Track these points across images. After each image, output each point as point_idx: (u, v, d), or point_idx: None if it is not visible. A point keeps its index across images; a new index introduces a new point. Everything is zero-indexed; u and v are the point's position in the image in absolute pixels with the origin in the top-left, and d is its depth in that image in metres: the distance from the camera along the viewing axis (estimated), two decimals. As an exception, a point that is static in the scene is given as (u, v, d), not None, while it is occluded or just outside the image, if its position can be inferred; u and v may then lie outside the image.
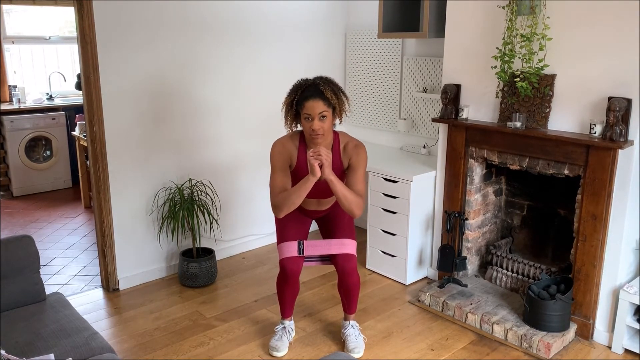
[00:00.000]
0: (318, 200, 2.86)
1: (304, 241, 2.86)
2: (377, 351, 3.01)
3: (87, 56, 3.31)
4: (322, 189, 2.70)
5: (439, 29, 3.69)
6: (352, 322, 3.05)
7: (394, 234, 3.76)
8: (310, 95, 2.58)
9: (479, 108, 3.42)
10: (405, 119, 4.28)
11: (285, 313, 3.05)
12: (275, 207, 2.65)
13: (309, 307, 3.47)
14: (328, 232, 2.98)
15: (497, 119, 3.32)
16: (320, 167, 2.50)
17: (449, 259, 3.51)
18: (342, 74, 4.73)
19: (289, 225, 2.89)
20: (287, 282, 2.89)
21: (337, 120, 2.73)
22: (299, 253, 2.83)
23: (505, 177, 3.72)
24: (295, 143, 2.75)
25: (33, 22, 6.25)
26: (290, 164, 2.75)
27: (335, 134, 2.78)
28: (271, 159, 2.73)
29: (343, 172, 2.78)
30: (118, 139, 3.53)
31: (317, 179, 2.52)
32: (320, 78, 2.68)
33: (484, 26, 3.29)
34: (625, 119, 2.78)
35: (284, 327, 3.04)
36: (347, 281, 2.89)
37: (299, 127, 2.74)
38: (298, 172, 2.73)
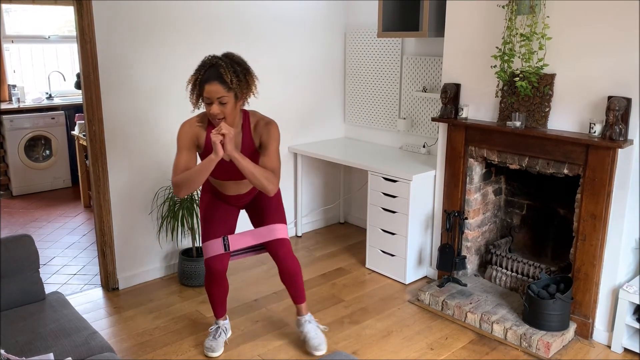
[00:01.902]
0: (235, 183, 2.76)
1: (229, 236, 2.78)
2: (377, 350, 3.01)
3: (87, 55, 3.31)
4: (234, 169, 2.60)
5: (439, 29, 3.69)
6: (306, 316, 2.98)
7: (393, 234, 3.76)
8: (209, 78, 2.44)
9: (479, 107, 3.42)
10: (404, 119, 4.28)
11: (218, 313, 2.98)
12: (176, 185, 2.54)
13: (308, 306, 3.46)
14: (257, 220, 2.90)
15: (496, 119, 3.32)
16: (223, 146, 2.41)
17: (448, 259, 3.51)
18: (341, 74, 4.73)
19: (213, 221, 2.81)
20: (214, 282, 2.82)
21: (246, 103, 2.62)
22: (225, 249, 2.76)
23: (505, 177, 3.72)
24: (204, 124, 2.64)
25: (32, 22, 6.24)
26: (198, 144, 2.65)
27: (245, 113, 2.68)
28: (177, 138, 2.62)
29: (255, 151, 2.69)
30: (117, 139, 3.53)
31: (221, 158, 2.44)
32: (226, 57, 2.52)
33: (483, 25, 3.29)
34: (624, 118, 2.78)
35: (219, 327, 2.98)
36: (286, 267, 2.82)
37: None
38: (206, 154, 2.63)
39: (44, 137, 5.92)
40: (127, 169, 3.61)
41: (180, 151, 2.61)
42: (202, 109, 2.61)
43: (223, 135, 2.41)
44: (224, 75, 2.45)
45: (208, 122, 2.64)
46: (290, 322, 3.27)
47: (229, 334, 3.06)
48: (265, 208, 2.87)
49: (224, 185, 2.78)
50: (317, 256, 4.25)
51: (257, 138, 2.68)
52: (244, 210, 3.03)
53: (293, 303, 3.01)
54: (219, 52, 3.86)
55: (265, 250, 2.89)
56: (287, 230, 2.87)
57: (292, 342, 3.07)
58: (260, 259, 4.18)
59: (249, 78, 2.56)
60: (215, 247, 2.77)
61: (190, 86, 2.55)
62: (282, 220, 2.87)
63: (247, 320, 3.28)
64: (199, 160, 2.64)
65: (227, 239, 2.77)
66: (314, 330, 2.95)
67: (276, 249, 2.80)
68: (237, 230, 2.95)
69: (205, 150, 2.65)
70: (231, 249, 2.78)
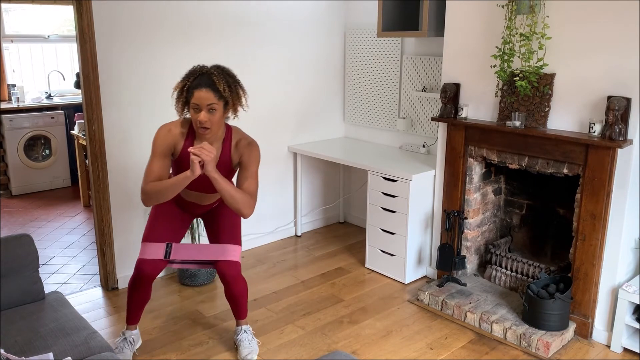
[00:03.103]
0: (200, 194, 2.70)
1: (174, 244, 2.68)
2: (376, 350, 3.01)
3: (86, 55, 3.31)
4: (205, 183, 2.53)
5: (439, 28, 3.68)
6: (244, 326, 2.95)
7: (393, 233, 3.76)
8: (200, 84, 2.40)
9: (479, 107, 3.42)
10: (404, 118, 4.28)
11: (131, 319, 2.84)
12: (145, 194, 2.46)
13: (307, 306, 3.47)
14: (212, 233, 2.83)
15: (496, 118, 3.32)
16: (202, 165, 2.34)
17: (448, 258, 3.51)
18: (341, 73, 4.72)
19: (162, 223, 2.72)
20: (140, 285, 2.70)
21: (232, 115, 2.56)
22: (165, 256, 2.65)
23: (505, 176, 3.72)
24: (184, 131, 2.56)
25: (32, 21, 6.24)
26: (174, 152, 2.56)
27: (229, 128, 2.62)
28: (153, 143, 2.52)
29: (232, 169, 2.64)
30: (117, 138, 3.53)
31: (197, 176, 2.37)
32: (217, 67, 2.50)
33: (483, 25, 3.29)
34: (624, 118, 2.78)
35: (125, 339, 2.84)
36: (233, 290, 2.78)
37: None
38: (180, 163, 2.56)
39: (44, 136, 5.92)
40: (126, 169, 3.60)
41: (154, 157, 2.52)
42: (182, 116, 2.57)
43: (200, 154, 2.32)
44: (216, 82, 2.42)
45: (188, 129, 2.57)
46: (290, 322, 3.27)
47: (138, 344, 2.94)
48: (223, 224, 2.80)
49: (186, 191, 2.70)
50: (317, 256, 4.25)
51: (236, 156, 2.62)
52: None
53: (234, 316, 2.96)
54: (218, 51, 3.89)
55: (211, 265, 2.81)
56: (239, 252, 2.78)
57: (292, 342, 3.07)
58: (260, 259, 4.18)
59: (239, 90, 2.52)
60: (154, 250, 2.66)
61: (176, 93, 2.50)
62: (237, 241, 2.78)
63: (247, 320, 3.27)
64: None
65: (171, 247, 2.67)
66: (247, 339, 2.91)
67: (225, 271, 2.71)
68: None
69: (180, 159, 2.57)
70: (172, 258, 2.68)
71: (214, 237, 2.83)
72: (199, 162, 2.34)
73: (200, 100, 2.40)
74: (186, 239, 3.93)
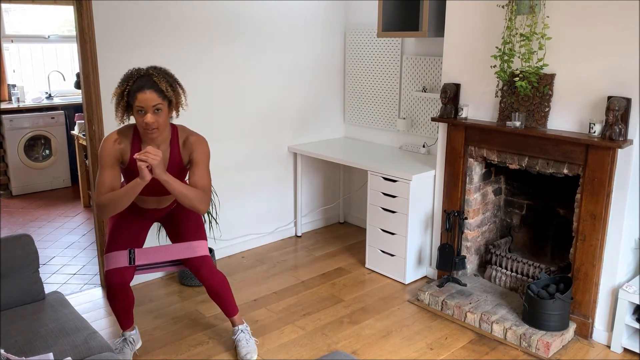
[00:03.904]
0: (157, 199, 2.68)
1: (137, 250, 2.66)
2: (376, 350, 3.01)
3: (87, 55, 3.31)
4: (159, 187, 2.51)
5: (439, 28, 3.68)
6: (241, 326, 2.93)
7: (393, 233, 3.76)
8: (143, 86, 2.35)
9: (479, 107, 3.42)
10: (404, 118, 4.28)
11: (124, 325, 2.84)
12: (100, 207, 2.43)
13: (307, 306, 3.47)
14: (175, 235, 2.81)
15: (496, 118, 3.32)
16: (151, 169, 2.32)
17: (448, 258, 3.51)
18: (341, 73, 4.73)
19: (121, 233, 2.68)
20: (114, 296, 2.67)
21: (174, 114, 2.52)
22: (130, 263, 2.63)
23: (505, 177, 3.72)
24: (129, 138, 2.51)
25: (32, 21, 6.24)
26: (122, 160, 2.52)
27: (174, 127, 2.58)
28: (100, 155, 2.49)
29: (184, 168, 2.61)
30: (117, 138, 3.53)
31: (148, 181, 2.35)
32: (154, 68, 2.46)
33: (483, 25, 3.29)
34: (624, 118, 2.78)
35: (125, 339, 2.85)
36: (211, 284, 2.75)
37: (132, 120, 2.51)
38: (130, 170, 2.52)
39: (44, 136, 5.92)
40: (126, 169, 3.60)
41: (103, 169, 2.47)
42: (126, 122, 2.53)
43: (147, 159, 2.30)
44: (158, 83, 2.38)
45: (133, 135, 2.53)
46: (290, 322, 3.27)
47: (138, 344, 2.94)
48: (184, 223, 2.78)
49: (143, 199, 2.67)
50: (317, 256, 4.25)
51: (185, 154, 2.58)
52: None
53: (226, 316, 2.94)
54: (218, 52, 3.89)
55: (182, 265, 2.79)
56: (207, 247, 2.77)
57: (292, 342, 3.07)
58: (260, 259, 4.18)
59: (179, 88, 2.50)
60: (118, 259, 2.64)
61: (115, 98, 2.45)
62: (202, 236, 2.77)
63: (247, 320, 3.27)
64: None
65: (134, 252, 2.65)
66: (245, 339, 2.90)
67: (198, 267, 2.70)
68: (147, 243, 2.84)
69: (129, 166, 2.53)
70: (137, 263, 2.66)
71: (177, 237, 2.80)
72: (147, 166, 2.31)
73: (145, 102, 2.36)
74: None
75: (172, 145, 2.56)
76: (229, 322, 3.25)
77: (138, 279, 3.75)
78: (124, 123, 2.53)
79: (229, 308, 2.89)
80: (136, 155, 2.31)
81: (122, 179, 2.67)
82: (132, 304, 2.81)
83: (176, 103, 2.48)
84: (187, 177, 2.67)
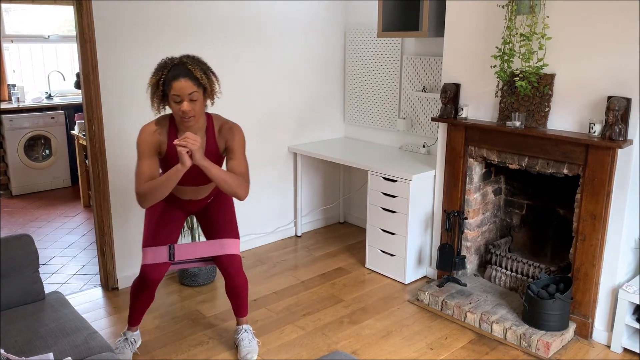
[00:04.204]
0: (195, 188, 2.68)
1: (176, 245, 2.67)
2: (376, 350, 3.01)
3: (87, 55, 3.31)
4: (196, 175, 2.54)
5: (439, 28, 3.69)
6: (244, 326, 2.95)
7: (393, 233, 3.76)
8: (178, 75, 2.36)
9: (479, 107, 3.42)
10: (404, 118, 4.28)
11: (134, 321, 2.87)
12: (141, 196, 2.44)
13: (307, 306, 3.47)
14: (209, 230, 2.82)
15: (496, 118, 3.32)
16: (190, 155, 2.33)
17: (448, 258, 3.51)
18: (341, 73, 4.73)
19: (159, 226, 2.69)
20: (145, 289, 2.71)
21: (209, 102, 2.54)
22: (170, 259, 2.65)
23: (505, 177, 3.72)
24: (165, 128, 2.53)
25: (32, 21, 6.24)
26: (160, 150, 2.54)
27: (209, 116, 2.60)
28: (137, 145, 2.51)
29: (220, 156, 2.63)
30: (117, 138, 3.53)
31: (188, 167, 2.36)
32: (188, 57, 2.47)
33: (483, 25, 3.29)
34: (624, 118, 2.78)
35: (126, 339, 2.87)
36: (234, 283, 2.78)
37: (168, 110, 2.53)
38: (169, 160, 2.54)
39: (44, 136, 5.92)
40: (126, 169, 3.60)
41: (141, 159, 2.50)
42: (162, 112, 2.55)
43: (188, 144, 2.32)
44: (193, 71, 2.39)
45: (169, 125, 2.55)
46: (290, 322, 3.27)
47: (138, 343, 2.96)
48: (219, 219, 2.79)
49: (181, 189, 2.67)
50: (317, 256, 4.25)
51: (221, 142, 2.60)
52: None
53: (234, 314, 2.96)
54: (218, 52, 3.89)
55: (211, 262, 2.81)
56: (238, 246, 2.79)
57: (292, 342, 3.07)
58: (260, 259, 4.18)
59: (212, 76, 2.51)
60: (158, 254, 2.65)
61: (150, 88, 2.47)
62: (235, 234, 2.79)
63: (247, 319, 3.27)
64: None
65: (174, 248, 2.67)
66: (247, 339, 2.91)
67: (226, 265, 2.72)
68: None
69: (167, 155, 2.54)
70: (176, 259, 2.68)
71: (210, 234, 2.82)
72: (187, 152, 2.33)
73: (181, 90, 2.37)
74: (187, 239, 3.93)
75: (207, 134, 2.58)
76: (228, 322, 3.25)
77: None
78: (160, 113, 2.55)
79: (242, 308, 2.93)
80: (176, 142, 2.33)
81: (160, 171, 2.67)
82: (151, 302, 2.85)
83: (211, 91, 2.49)
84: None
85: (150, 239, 2.68)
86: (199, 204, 2.80)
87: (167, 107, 2.51)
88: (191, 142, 2.31)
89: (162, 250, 2.66)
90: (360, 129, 4.71)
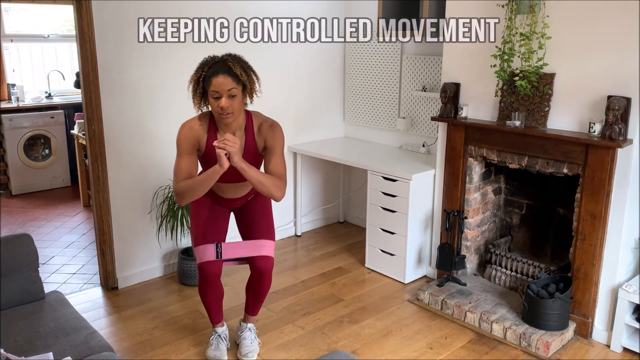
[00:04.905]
0: (235, 185, 2.68)
1: (222, 244, 2.71)
2: (376, 350, 3.01)
3: (86, 54, 3.31)
4: (237, 173, 2.50)
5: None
6: (249, 324, 2.96)
7: (393, 233, 3.76)
8: (217, 71, 2.40)
9: (478, 107, 3.42)
10: (404, 118, 4.28)
11: (215, 319, 2.91)
12: (179, 194, 2.48)
13: (307, 305, 3.47)
14: (245, 228, 2.84)
15: (496, 118, 3.32)
16: (229, 157, 2.35)
17: (448, 258, 3.51)
18: (341, 73, 4.72)
19: (206, 225, 2.73)
20: (208, 285, 2.76)
21: (249, 101, 2.56)
22: (217, 257, 2.68)
23: (505, 176, 3.72)
24: (205, 125, 2.55)
25: (32, 21, 6.24)
26: (199, 147, 2.56)
27: (248, 114, 2.61)
28: (177, 142, 2.54)
29: (259, 154, 2.63)
30: (117, 138, 3.53)
31: (226, 169, 2.38)
32: (229, 55, 2.50)
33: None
34: (624, 117, 2.78)
35: (218, 335, 2.91)
36: (261, 283, 2.78)
37: (209, 108, 2.56)
38: (207, 157, 2.56)
39: (43, 136, 5.91)
40: (126, 168, 3.60)
41: (180, 156, 2.53)
42: (200, 110, 2.57)
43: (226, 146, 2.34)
44: (232, 68, 2.42)
45: (209, 122, 2.57)
46: (289, 322, 3.27)
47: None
48: (256, 219, 2.81)
49: (222, 187, 2.69)
50: (317, 255, 4.25)
51: (260, 141, 2.61)
52: None
53: (244, 310, 2.98)
54: (219, 52, 3.87)
55: (245, 262, 2.82)
56: (273, 247, 2.79)
57: (292, 342, 3.07)
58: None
59: (253, 74, 2.53)
60: (208, 252, 2.69)
61: (192, 86, 2.51)
62: (271, 236, 2.80)
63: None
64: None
65: (221, 247, 2.70)
66: (250, 338, 2.92)
67: (259, 265, 2.72)
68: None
69: (206, 153, 2.56)
70: (223, 257, 2.70)
71: (247, 234, 2.83)
72: (225, 154, 2.35)
73: (219, 86, 2.39)
74: (187, 238, 3.93)
75: (247, 132, 2.59)
76: (228, 321, 3.24)
77: (135, 279, 3.75)
78: (201, 111, 2.57)
79: (256, 308, 2.94)
80: (215, 143, 2.35)
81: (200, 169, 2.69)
82: (223, 295, 2.88)
83: (250, 89, 2.51)
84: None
85: (200, 238, 2.71)
86: (239, 201, 2.81)
87: (208, 106, 2.54)
88: (230, 145, 2.33)
89: (210, 248, 2.69)
90: (360, 129, 4.71)
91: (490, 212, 3.72)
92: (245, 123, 2.60)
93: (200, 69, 2.47)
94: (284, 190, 2.55)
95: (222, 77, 2.39)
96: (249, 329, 2.95)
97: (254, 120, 2.63)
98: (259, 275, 2.76)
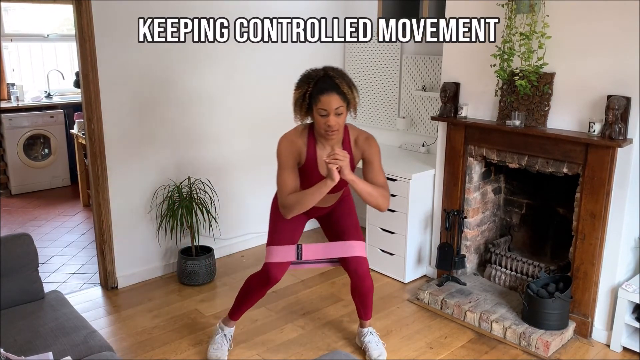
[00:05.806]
0: (328, 195, 2.65)
1: (304, 245, 2.71)
2: (376, 349, 3.01)
3: (86, 54, 3.31)
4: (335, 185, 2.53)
5: (438, 27, 3.68)
6: (369, 328, 2.97)
7: (392, 232, 3.76)
8: (326, 89, 2.39)
9: (478, 106, 3.42)
10: (404, 117, 4.27)
11: (237, 316, 2.92)
12: (286, 207, 2.50)
13: (307, 305, 3.47)
14: (333, 233, 2.84)
15: (496, 117, 3.32)
16: (339, 170, 2.36)
17: (447, 257, 3.51)
18: (341, 72, 4.71)
19: (285, 227, 2.73)
20: (264, 287, 2.74)
21: (352, 115, 2.56)
22: (298, 258, 2.69)
23: (504, 176, 3.72)
24: (304, 138, 2.57)
25: (31, 20, 6.23)
26: (299, 160, 2.57)
27: (345, 127, 2.61)
28: (279, 156, 2.55)
29: (354, 166, 2.64)
30: (117, 137, 3.53)
31: (318, 171, 2.40)
32: (333, 69, 2.48)
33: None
34: (624, 117, 2.78)
35: (224, 335, 2.92)
36: (362, 285, 2.78)
37: (308, 120, 2.58)
38: (307, 169, 2.58)
39: (43, 135, 5.91)
40: (126, 168, 3.60)
41: (283, 170, 2.53)
42: (301, 121, 2.58)
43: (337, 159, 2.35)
44: (340, 85, 2.41)
45: (308, 135, 2.57)
46: (289, 322, 3.27)
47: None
48: (345, 223, 2.81)
49: None
50: (317, 255, 4.24)
51: (357, 153, 2.62)
52: None
53: (358, 317, 2.99)
54: (218, 51, 3.88)
55: (337, 263, 2.82)
56: (365, 248, 2.80)
57: (291, 342, 3.07)
58: (260, 258, 4.17)
59: (354, 89, 2.52)
60: (285, 253, 2.68)
61: (296, 101, 2.51)
62: (361, 237, 2.81)
63: (246, 319, 3.27)
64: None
65: (301, 248, 2.71)
66: (374, 341, 2.93)
67: (355, 267, 2.73)
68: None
69: (306, 164, 2.57)
70: (303, 259, 2.72)
71: (337, 237, 2.82)
72: (336, 168, 2.35)
73: (328, 105, 2.39)
74: (186, 238, 3.93)
75: (344, 145, 2.60)
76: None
77: (135, 278, 3.75)
78: (302, 123, 2.59)
79: (367, 311, 2.93)
80: (326, 159, 2.36)
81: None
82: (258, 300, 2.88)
83: (354, 104, 2.51)
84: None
85: (276, 239, 2.72)
86: (323, 210, 2.82)
87: (308, 118, 2.54)
88: (341, 159, 2.34)
89: (291, 250, 2.70)
90: (359, 128, 4.70)
91: (490, 212, 3.72)
92: (343, 137, 2.61)
93: (306, 84, 2.46)
94: (389, 199, 2.57)
95: (330, 96, 2.39)
96: (371, 333, 2.96)
97: (351, 133, 2.64)
98: (358, 277, 2.76)
